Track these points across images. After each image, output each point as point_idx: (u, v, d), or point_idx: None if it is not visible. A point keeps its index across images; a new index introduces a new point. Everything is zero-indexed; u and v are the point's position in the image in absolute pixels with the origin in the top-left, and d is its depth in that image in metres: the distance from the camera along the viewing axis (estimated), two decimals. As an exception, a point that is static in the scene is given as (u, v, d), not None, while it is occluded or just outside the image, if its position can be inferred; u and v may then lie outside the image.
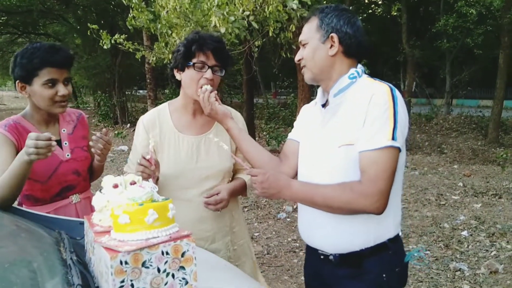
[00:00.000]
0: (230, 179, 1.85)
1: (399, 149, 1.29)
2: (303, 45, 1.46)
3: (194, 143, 1.76)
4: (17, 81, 1.66)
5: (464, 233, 4.42)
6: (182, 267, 0.97)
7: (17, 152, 1.61)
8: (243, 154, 1.66)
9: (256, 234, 4.63)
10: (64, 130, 1.81)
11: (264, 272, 3.74)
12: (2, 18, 17.89)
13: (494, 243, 4.15)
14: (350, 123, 1.34)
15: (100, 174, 1.99)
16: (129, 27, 4.72)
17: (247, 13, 3.44)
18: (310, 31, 1.44)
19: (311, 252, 1.54)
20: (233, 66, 1.98)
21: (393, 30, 19.30)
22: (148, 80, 11.36)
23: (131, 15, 4.57)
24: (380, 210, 1.29)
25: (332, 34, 1.39)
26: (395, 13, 14.28)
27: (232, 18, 3.28)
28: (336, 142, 1.36)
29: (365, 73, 1.46)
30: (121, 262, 0.90)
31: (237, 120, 1.76)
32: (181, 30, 3.83)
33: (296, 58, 1.49)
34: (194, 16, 3.66)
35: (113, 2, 15.04)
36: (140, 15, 4.40)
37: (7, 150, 1.62)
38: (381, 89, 1.31)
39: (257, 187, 1.37)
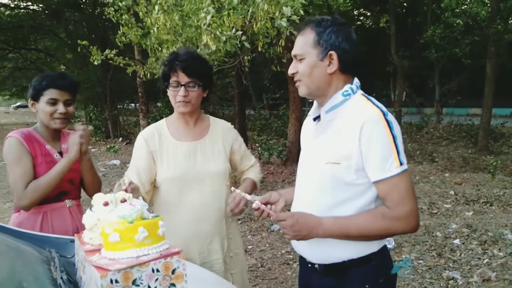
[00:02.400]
0: (228, 182, 1.94)
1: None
2: (299, 59, 1.42)
3: (191, 149, 1.88)
4: (29, 99, 2.00)
5: (457, 241, 4.45)
6: (173, 284, 0.97)
7: (31, 157, 1.92)
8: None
9: (250, 246, 4.62)
10: (64, 146, 2.07)
11: (258, 285, 3.72)
12: (-7, 33, 17.85)
13: (486, 251, 4.17)
14: (338, 142, 1.36)
15: (94, 181, 2.13)
16: (119, 44, 4.75)
17: (239, 32, 3.49)
18: (306, 46, 1.39)
19: (302, 261, 1.58)
20: (217, 79, 2.13)
21: (382, 41, 19.54)
22: (140, 94, 11.32)
23: (121, 31, 4.60)
24: (415, 228, 1.34)
25: (331, 52, 1.36)
26: (383, 25, 14.47)
27: (224, 38, 3.32)
28: (324, 159, 1.39)
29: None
30: (111, 281, 0.90)
31: (233, 136, 1.99)
32: (171, 46, 3.87)
33: (290, 71, 1.45)
34: (184, 33, 3.70)
35: (104, 17, 15.10)
36: (130, 31, 4.43)
37: (27, 159, 1.90)
38: (373, 115, 1.31)
39: (287, 232, 1.35)
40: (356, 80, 1.44)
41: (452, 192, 6.55)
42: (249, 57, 4.54)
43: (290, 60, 1.52)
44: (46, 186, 1.87)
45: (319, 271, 1.47)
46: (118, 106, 17.78)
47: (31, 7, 17.80)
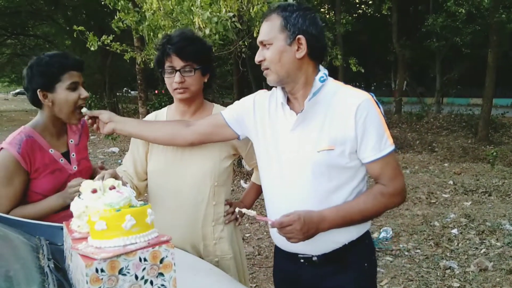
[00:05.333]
0: (216, 182, 1.71)
1: None
2: (265, 45, 1.37)
3: None
4: (39, 90, 1.62)
5: (454, 231, 4.44)
6: (161, 274, 0.95)
7: (27, 175, 1.62)
8: (145, 140, 1.70)
9: (247, 235, 4.62)
10: (71, 141, 1.80)
11: (255, 273, 3.72)
12: (-10, 19, 17.69)
13: (484, 241, 4.17)
14: (329, 128, 1.35)
15: None
16: (115, 29, 4.66)
17: (230, 14, 3.39)
18: (273, 31, 1.35)
19: (286, 257, 1.51)
20: (215, 62, 1.97)
21: (383, 29, 19.39)
22: (139, 81, 11.24)
23: (117, 17, 4.51)
24: (404, 199, 1.43)
25: (299, 36, 1.32)
26: (385, 13, 14.30)
27: (215, 20, 3.24)
28: (314, 147, 1.36)
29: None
30: (96, 270, 0.87)
31: None
32: (168, 31, 3.79)
33: (257, 59, 1.40)
34: (180, 18, 3.62)
35: (102, 3, 14.94)
36: (127, 17, 4.34)
37: (19, 179, 1.62)
38: (365, 98, 1.34)
39: (296, 235, 1.29)
40: (322, 67, 1.42)
41: (451, 182, 6.54)
42: (245, 42, 4.47)
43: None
44: (31, 217, 1.59)
45: (316, 263, 1.44)
46: (117, 94, 17.73)
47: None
